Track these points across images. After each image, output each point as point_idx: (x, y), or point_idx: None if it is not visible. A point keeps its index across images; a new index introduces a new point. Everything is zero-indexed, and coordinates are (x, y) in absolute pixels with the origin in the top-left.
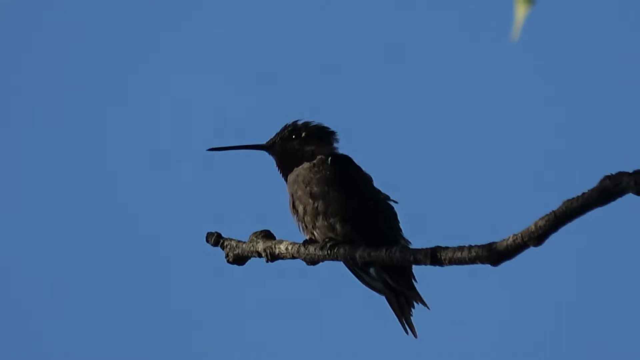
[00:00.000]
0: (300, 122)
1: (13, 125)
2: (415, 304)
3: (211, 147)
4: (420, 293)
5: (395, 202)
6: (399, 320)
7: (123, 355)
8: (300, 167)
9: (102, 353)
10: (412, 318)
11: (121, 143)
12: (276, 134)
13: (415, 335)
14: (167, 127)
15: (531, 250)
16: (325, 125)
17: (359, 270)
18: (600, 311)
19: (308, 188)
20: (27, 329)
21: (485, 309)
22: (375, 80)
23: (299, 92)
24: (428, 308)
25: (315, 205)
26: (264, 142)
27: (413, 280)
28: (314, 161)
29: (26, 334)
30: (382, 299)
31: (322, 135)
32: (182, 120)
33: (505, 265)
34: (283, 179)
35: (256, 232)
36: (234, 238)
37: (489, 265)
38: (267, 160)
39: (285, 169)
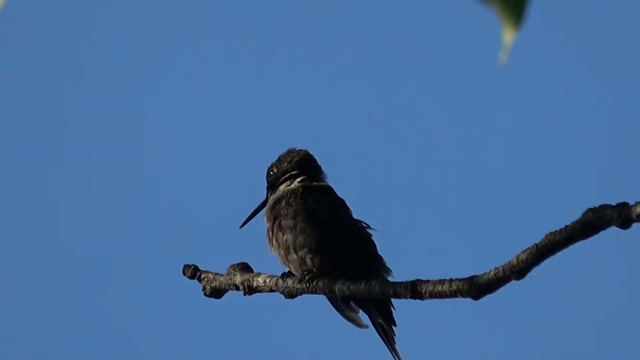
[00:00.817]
0: (276, 167)
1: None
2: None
3: (241, 224)
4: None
5: (374, 230)
6: (388, 346)
7: None
8: (271, 199)
9: None
10: (396, 346)
11: (102, 160)
12: (266, 186)
13: None
14: (150, 150)
15: (513, 284)
16: (301, 151)
17: (341, 303)
18: (583, 343)
19: (277, 221)
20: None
21: (466, 343)
22: (354, 105)
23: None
24: None
25: (285, 238)
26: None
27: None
28: (286, 192)
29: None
30: (361, 332)
31: (294, 164)
32: (166, 143)
33: (487, 299)
34: None
35: (234, 265)
36: (211, 271)
37: (470, 299)
38: (244, 191)
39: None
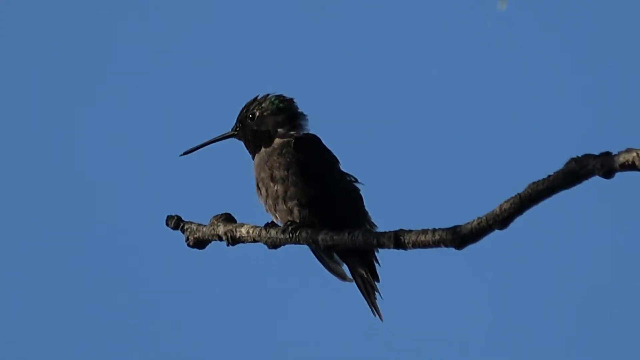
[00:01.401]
0: (254, 102)
1: None
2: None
3: (183, 152)
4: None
5: (362, 185)
6: (367, 301)
7: (82, 337)
8: (264, 150)
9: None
10: (377, 302)
11: (84, 125)
12: (237, 118)
13: (381, 319)
14: (133, 109)
15: (495, 234)
16: (280, 95)
17: (323, 253)
18: (565, 294)
19: (270, 171)
20: None
21: (449, 294)
22: (343, 60)
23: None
24: (381, 319)
25: (275, 188)
26: (230, 130)
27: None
28: (279, 144)
29: None
30: (344, 285)
31: (277, 110)
32: (149, 105)
33: (470, 248)
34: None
35: (217, 216)
36: (194, 221)
37: (453, 249)
38: (228, 143)
39: (251, 151)
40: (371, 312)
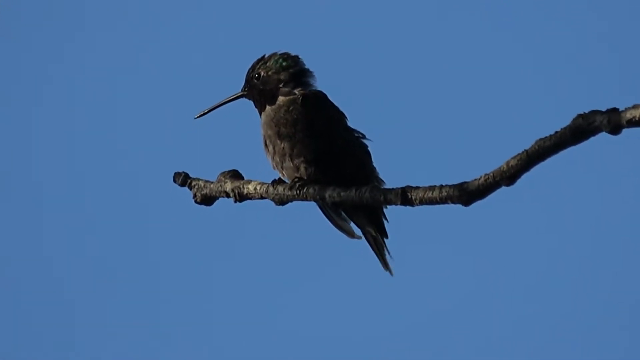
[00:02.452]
0: (260, 61)
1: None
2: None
3: (196, 114)
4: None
5: (370, 141)
6: (378, 257)
7: (88, 296)
8: (270, 108)
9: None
10: (386, 258)
11: (85, 87)
12: (245, 78)
13: (391, 273)
14: (131, 75)
15: (503, 190)
16: (285, 53)
17: (331, 211)
18: (571, 254)
19: (276, 128)
20: None
21: (456, 251)
22: (349, 20)
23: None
24: (392, 274)
25: (282, 146)
26: (240, 90)
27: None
28: (284, 101)
29: None
30: (352, 242)
31: (282, 68)
32: (145, 74)
33: (477, 205)
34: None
35: (224, 172)
36: (201, 178)
37: (461, 206)
38: (236, 103)
39: (258, 110)
40: (382, 267)
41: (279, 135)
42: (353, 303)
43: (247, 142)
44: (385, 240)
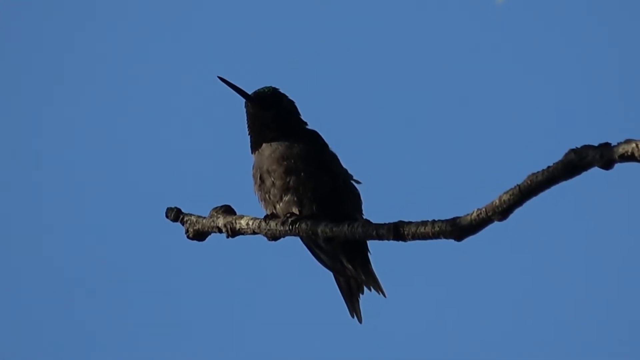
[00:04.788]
0: (277, 92)
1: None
2: (367, 289)
3: (221, 77)
4: (378, 279)
5: (358, 183)
6: (345, 302)
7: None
8: (278, 143)
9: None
10: (359, 303)
11: (74, 122)
12: (258, 91)
13: (360, 321)
14: (130, 104)
15: (495, 225)
16: (294, 102)
17: (316, 247)
18: (564, 287)
19: (285, 162)
20: None
21: (449, 286)
22: (333, 58)
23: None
24: (384, 296)
25: (288, 180)
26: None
27: (369, 264)
28: (288, 138)
29: None
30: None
31: (292, 109)
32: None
33: (469, 240)
34: (250, 142)
35: (216, 208)
36: (194, 213)
37: (453, 241)
38: (226, 135)
39: (256, 129)
40: (348, 312)
41: (286, 170)
42: (341, 340)
43: (239, 177)
44: (363, 284)
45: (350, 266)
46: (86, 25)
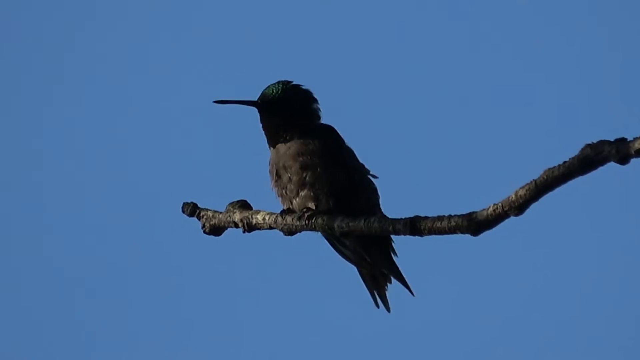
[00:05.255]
0: (288, 86)
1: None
2: (392, 279)
3: (217, 100)
4: (403, 275)
5: (375, 177)
6: (370, 292)
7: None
8: (294, 140)
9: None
10: (386, 292)
11: (93, 116)
12: (266, 92)
13: (388, 310)
14: (143, 100)
15: (512, 220)
16: (309, 91)
17: (336, 241)
18: (580, 281)
19: (301, 159)
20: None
21: (466, 282)
22: (350, 48)
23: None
24: (412, 294)
25: (304, 175)
26: (257, 99)
27: (393, 256)
28: (304, 133)
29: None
30: (355, 270)
31: (306, 103)
32: (153, 98)
33: (486, 235)
34: (266, 139)
35: (233, 202)
36: (210, 208)
37: (469, 236)
38: (243, 130)
39: (270, 132)
40: (374, 303)
41: (302, 166)
42: (359, 334)
43: (256, 171)
44: (390, 275)
45: (370, 259)
46: (86, 25)
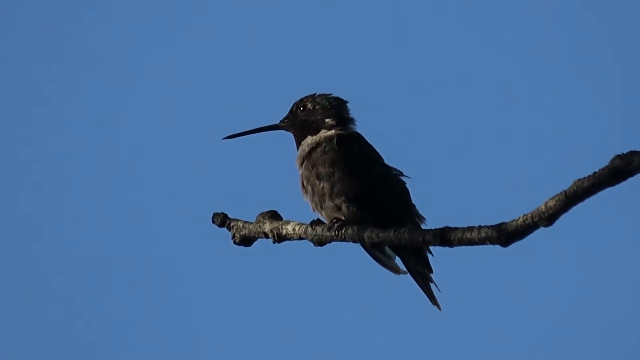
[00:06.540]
0: (309, 96)
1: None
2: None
3: (226, 135)
4: (432, 291)
5: (408, 178)
6: (425, 291)
7: (127, 335)
8: (305, 144)
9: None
10: (433, 292)
11: (124, 128)
12: (290, 109)
13: (439, 308)
14: (169, 113)
15: (541, 231)
16: (336, 96)
17: (371, 250)
18: (611, 292)
19: (314, 169)
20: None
21: (496, 291)
22: (388, 59)
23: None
24: (439, 309)
25: (321, 185)
26: (278, 122)
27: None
28: (323, 138)
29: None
30: (390, 279)
31: (329, 106)
32: (184, 108)
33: (515, 245)
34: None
35: (263, 213)
36: (240, 219)
37: (499, 246)
38: (274, 140)
39: (297, 142)
40: (430, 302)
41: (318, 176)
42: (394, 341)
43: (286, 181)
44: (431, 274)
45: (416, 267)
46: (86, 25)
